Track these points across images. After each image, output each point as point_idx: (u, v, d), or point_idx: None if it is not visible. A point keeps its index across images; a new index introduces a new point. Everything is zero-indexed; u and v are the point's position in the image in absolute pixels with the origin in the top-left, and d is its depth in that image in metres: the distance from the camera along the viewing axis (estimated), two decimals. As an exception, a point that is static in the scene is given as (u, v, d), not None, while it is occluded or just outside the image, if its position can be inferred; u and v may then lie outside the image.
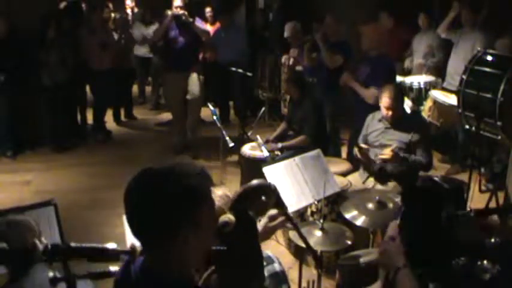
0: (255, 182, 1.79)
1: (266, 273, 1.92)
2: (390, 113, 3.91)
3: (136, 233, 1.32)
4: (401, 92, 4.14)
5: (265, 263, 1.95)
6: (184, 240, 1.29)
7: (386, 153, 3.83)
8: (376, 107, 4.17)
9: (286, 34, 6.39)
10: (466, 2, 5.54)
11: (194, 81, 6.17)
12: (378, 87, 4.24)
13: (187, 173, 1.32)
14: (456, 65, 5.64)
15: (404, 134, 3.90)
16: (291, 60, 6.52)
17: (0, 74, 6.00)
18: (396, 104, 3.91)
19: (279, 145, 4.90)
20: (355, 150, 4.06)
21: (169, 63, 6.20)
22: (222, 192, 2.01)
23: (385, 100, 3.92)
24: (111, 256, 1.44)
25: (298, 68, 6.37)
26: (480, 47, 4.83)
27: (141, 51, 8.21)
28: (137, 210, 1.31)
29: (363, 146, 4.01)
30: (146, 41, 7.79)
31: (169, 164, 1.34)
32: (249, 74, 6.80)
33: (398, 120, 3.95)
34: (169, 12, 7.75)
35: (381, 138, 4.02)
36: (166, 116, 7.47)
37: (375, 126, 4.11)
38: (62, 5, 7.38)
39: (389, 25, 6.76)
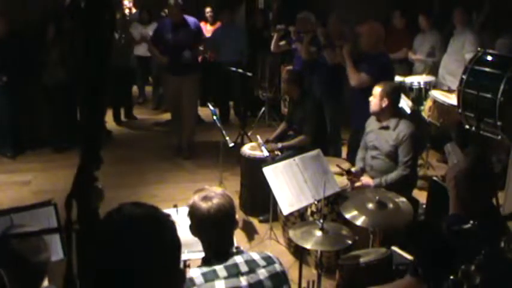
0: None
1: (267, 274, 1.92)
2: (374, 103, 3.96)
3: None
4: (395, 91, 4.08)
5: (265, 263, 1.95)
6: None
7: (359, 181, 3.96)
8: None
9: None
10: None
11: (189, 86, 6.17)
12: (369, 76, 4.40)
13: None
14: (446, 65, 5.70)
15: (394, 136, 3.91)
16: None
17: (2, 74, 6.01)
18: (378, 98, 3.93)
19: (279, 145, 4.91)
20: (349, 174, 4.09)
21: (167, 65, 6.22)
22: (222, 191, 2.01)
23: (374, 91, 3.98)
24: None
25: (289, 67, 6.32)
26: (469, 48, 4.85)
27: (141, 50, 8.20)
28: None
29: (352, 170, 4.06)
30: (145, 40, 7.78)
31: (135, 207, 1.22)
32: (249, 74, 6.79)
33: (389, 120, 3.96)
34: (166, 12, 7.77)
35: (374, 140, 4.06)
36: (166, 116, 7.48)
37: (372, 125, 4.13)
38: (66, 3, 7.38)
39: (400, 25, 6.79)
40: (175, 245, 1.21)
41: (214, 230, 1.93)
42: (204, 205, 1.91)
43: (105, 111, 7.67)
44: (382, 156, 3.99)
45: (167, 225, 1.21)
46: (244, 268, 1.90)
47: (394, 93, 3.99)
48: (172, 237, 1.20)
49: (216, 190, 1.99)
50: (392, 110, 3.98)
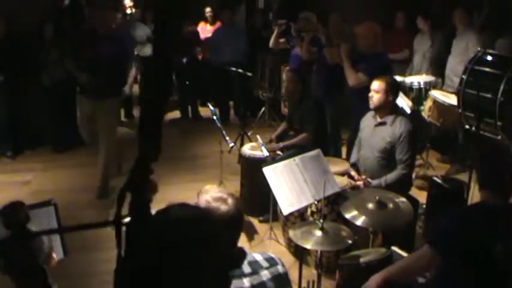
0: None
1: (269, 275, 1.91)
2: (377, 97, 3.93)
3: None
4: (395, 86, 4.04)
5: (268, 265, 1.94)
6: None
7: (359, 180, 3.93)
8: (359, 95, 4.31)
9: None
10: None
11: (105, 111, 5.08)
12: (366, 75, 4.42)
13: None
14: (452, 67, 5.69)
15: (390, 132, 3.88)
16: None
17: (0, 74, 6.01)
18: (383, 93, 3.90)
19: (280, 145, 4.90)
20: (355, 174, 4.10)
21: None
22: (221, 194, 1.99)
23: (373, 84, 3.97)
24: None
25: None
26: (473, 49, 4.85)
27: (145, 51, 8.18)
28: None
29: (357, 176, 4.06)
30: (150, 40, 7.73)
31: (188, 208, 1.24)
32: (249, 74, 6.80)
33: (387, 116, 3.94)
34: None
35: (370, 137, 4.03)
36: (167, 115, 7.48)
37: (368, 122, 4.12)
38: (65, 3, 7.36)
39: (401, 26, 6.80)
40: (222, 249, 1.21)
41: (226, 231, 1.92)
42: (223, 206, 1.91)
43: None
44: (376, 157, 3.96)
45: (214, 229, 1.20)
46: (247, 269, 1.89)
47: (397, 88, 4.03)
48: (218, 241, 1.20)
49: (225, 191, 1.99)
50: (392, 106, 3.99)
